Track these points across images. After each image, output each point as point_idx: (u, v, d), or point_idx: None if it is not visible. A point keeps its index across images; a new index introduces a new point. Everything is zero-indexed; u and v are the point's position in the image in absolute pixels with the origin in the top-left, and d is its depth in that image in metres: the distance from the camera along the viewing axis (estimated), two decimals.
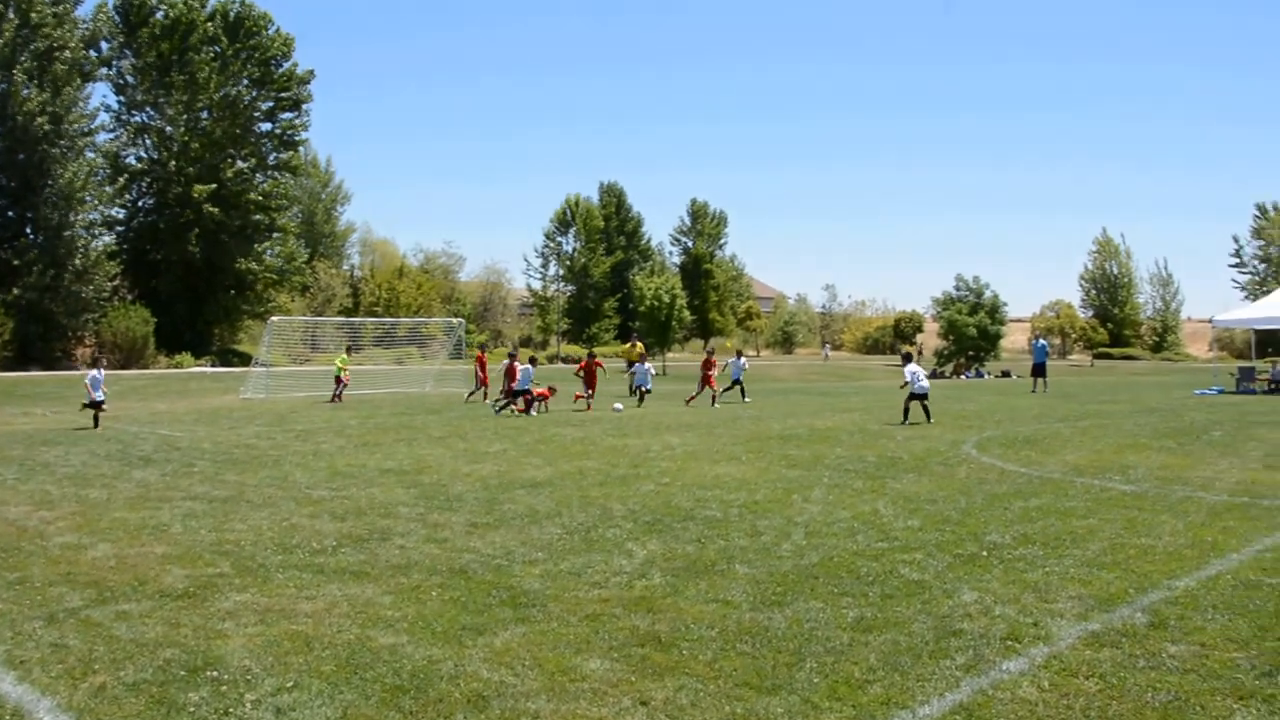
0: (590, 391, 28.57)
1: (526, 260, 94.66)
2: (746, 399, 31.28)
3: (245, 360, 49.67)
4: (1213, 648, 6.34)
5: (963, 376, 57.40)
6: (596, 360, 30.20)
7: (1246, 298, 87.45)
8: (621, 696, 5.60)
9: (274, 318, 43.85)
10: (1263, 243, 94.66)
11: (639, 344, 36.10)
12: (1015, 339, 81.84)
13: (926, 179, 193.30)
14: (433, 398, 33.53)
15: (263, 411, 26.46)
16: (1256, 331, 56.84)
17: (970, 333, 59.77)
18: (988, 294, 62.34)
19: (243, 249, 58.82)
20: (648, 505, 11.66)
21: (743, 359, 33.13)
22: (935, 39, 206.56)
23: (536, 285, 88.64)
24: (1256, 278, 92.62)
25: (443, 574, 8.34)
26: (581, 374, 29.62)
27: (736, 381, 31.69)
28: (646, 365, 31.36)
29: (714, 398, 29.23)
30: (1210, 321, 50.88)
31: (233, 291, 60.00)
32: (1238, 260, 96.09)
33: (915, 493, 12.58)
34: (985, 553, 9.02)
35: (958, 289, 63.63)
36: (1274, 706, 5.39)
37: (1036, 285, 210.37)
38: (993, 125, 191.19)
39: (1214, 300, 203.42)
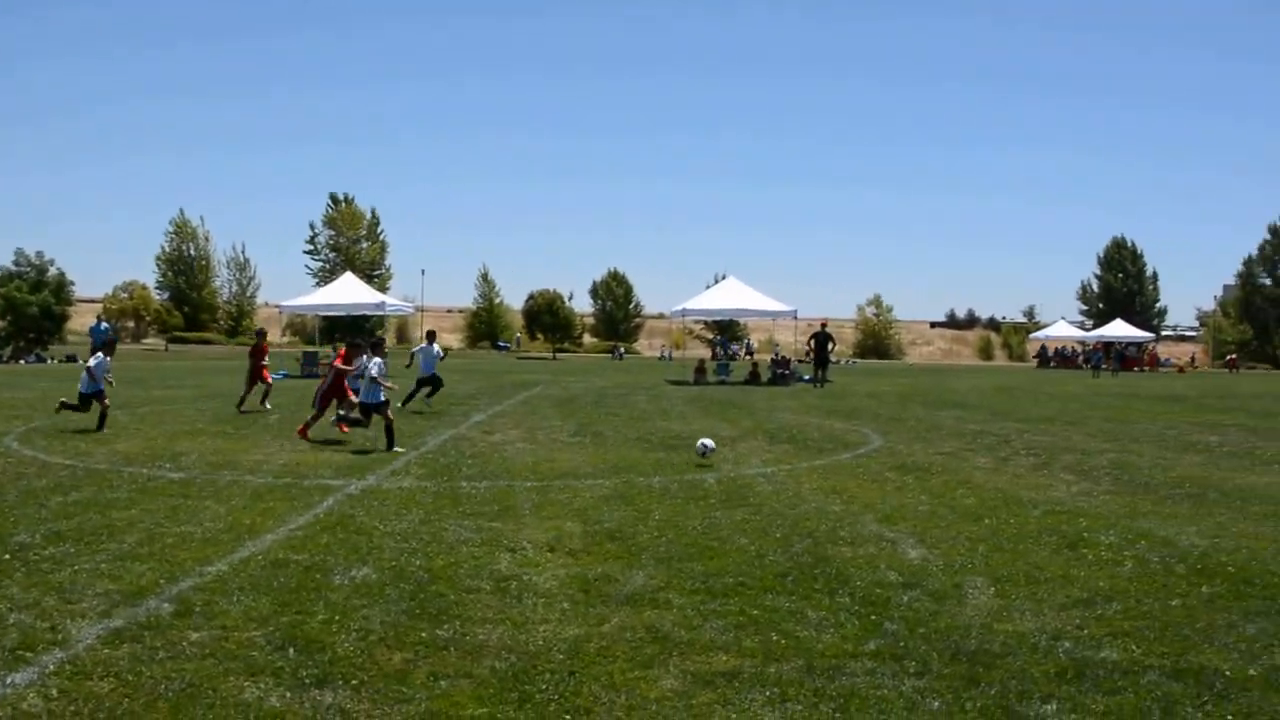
0: None
1: None
2: (429, 400, 23.96)
3: None
4: (234, 629, 6.75)
5: (23, 361, 53.92)
6: None
7: (318, 284, 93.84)
8: None
9: None
10: (333, 231, 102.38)
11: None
12: (85, 320, 79.07)
13: None
14: None
15: None
16: (323, 317, 61.33)
17: (32, 312, 56.46)
18: (53, 271, 59.56)
19: None
20: None
21: (435, 345, 24.74)
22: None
23: None
24: (328, 265, 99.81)
25: None
26: None
27: (431, 378, 23.81)
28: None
29: (265, 395, 23.65)
30: (278, 308, 53.83)
31: None
32: (312, 247, 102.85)
33: None
34: (9, 556, 8.61)
35: (18, 264, 59.82)
36: (281, 678, 5.89)
37: (110, 264, 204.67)
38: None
39: (294, 285, 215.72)
